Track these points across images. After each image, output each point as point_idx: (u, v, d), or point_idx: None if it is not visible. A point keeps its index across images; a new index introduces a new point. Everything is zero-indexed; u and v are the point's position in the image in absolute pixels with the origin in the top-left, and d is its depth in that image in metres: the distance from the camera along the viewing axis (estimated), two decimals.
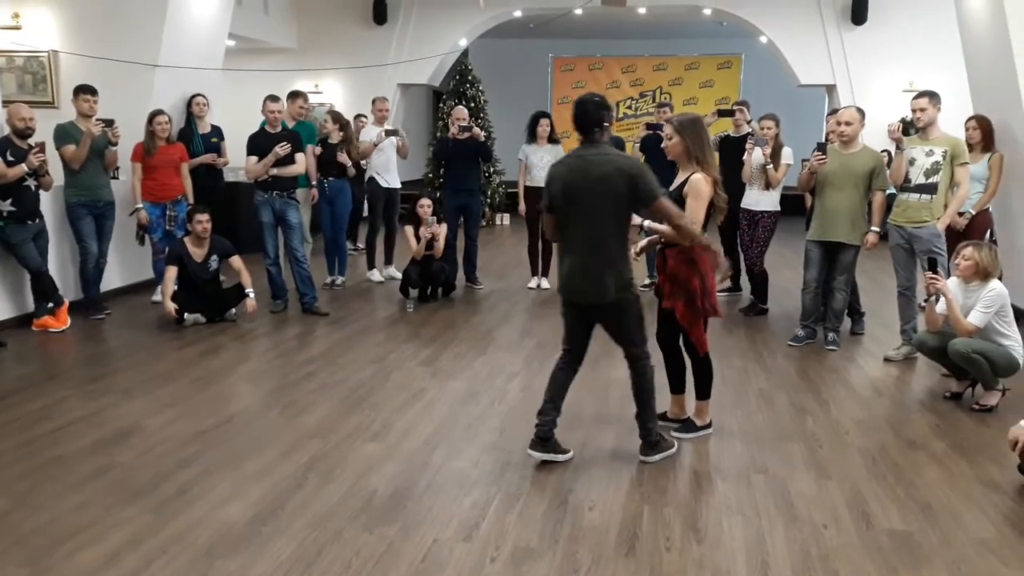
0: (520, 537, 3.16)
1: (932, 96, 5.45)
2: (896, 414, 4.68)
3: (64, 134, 6.42)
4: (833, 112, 7.04)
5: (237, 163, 7.95)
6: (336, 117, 7.80)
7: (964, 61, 7.47)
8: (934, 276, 4.70)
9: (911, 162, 5.49)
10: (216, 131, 7.83)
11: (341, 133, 7.68)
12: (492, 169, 12.88)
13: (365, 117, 9.19)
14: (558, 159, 3.92)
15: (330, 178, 7.66)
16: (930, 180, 5.41)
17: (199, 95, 7.73)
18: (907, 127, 5.52)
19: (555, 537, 3.16)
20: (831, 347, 5.92)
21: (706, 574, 2.92)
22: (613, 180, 3.63)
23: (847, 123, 5.67)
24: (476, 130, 7.73)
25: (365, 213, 8.89)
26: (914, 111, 5.47)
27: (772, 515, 3.37)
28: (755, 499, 3.52)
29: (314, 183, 7.59)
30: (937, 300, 4.80)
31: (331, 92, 13.03)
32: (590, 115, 3.71)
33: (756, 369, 5.47)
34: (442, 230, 7.32)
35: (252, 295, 6.45)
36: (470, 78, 13.10)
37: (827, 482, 3.70)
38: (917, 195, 5.47)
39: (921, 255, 5.44)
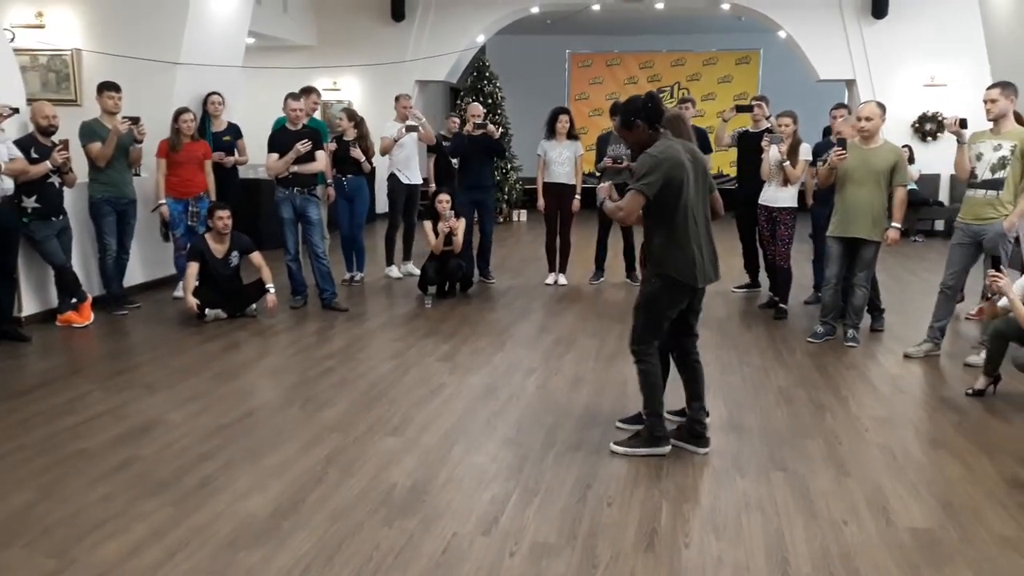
0: (539, 532, 3.17)
1: (1005, 87, 5.21)
2: (917, 411, 4.66)
3: (90, 131, 6.50)
4: (837, 107, 6.99)
5: (258, 160, 8.00)
6: (351, 115, 7.84)
7: (987, 54, 7.41)
8: (996, 274, 4.60)
9: (978, 157, 5.30)
10: (231, 129, 7.84)
11: (356, 130, 7.72)
12: (510, 165, 12.90)
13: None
14: (663, 147, 3.69)
15: (348, 175, 7.70)
16: (996, 175, 5.23)
17: (214, 93, 7.76)
18: (963, 122, 5.35)
19: (574, 532, 3.17)
20: (851, 344, 5.88)
21: (725, 571, 2.92)
22: (707, 166, 3.93)
23: (867, 118, 5.61)
24: (490, 127, 7.76)
25: (380, 210, 8.94)
26: (984, 102, 5.24)
27: (792, 512, 3.36)
28: (774, 496, 3.51)
29: (330, 181, 7.63)
30: (999, 297, 4.67)
31: (349, 89, 13.09)
32: (660, 110, 3.80)
33: (775, 366, 5.45)
34: (461, 224, 7.35)
35: (272, 290, 6.49)
36: (487, 75, 13.11)
37: (847, 479, 3.69)
38: (983, 191, 5.29)
39: (989, 253, 5.27)
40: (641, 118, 3.74)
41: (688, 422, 4.03)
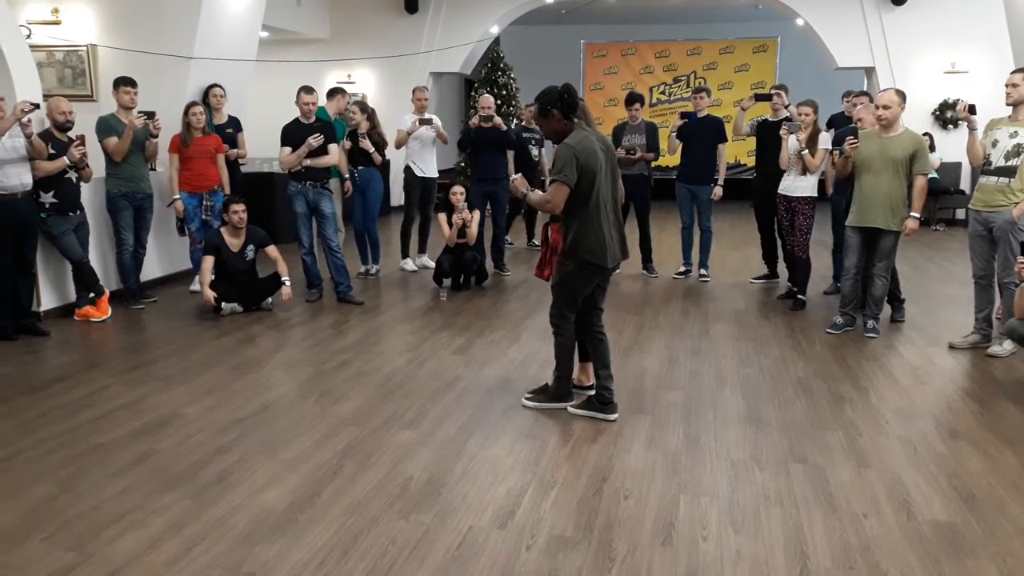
0: (555, 525, 3.16)
1: None
2: (938, 402, 4.59)
3: (107, 126, 6.54)
4: (848, 94, 6.89)
5: (271, 153, 8.00)
6: (362, 107, 7.82)
7: (1009, 40, 7.28)
8: None
9: (993, 144, 5.25)
10: (232, 122, 7.78)
11: (368, 122, 7.70)
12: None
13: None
14: (580, 138, 3.98)
15: (360, 167, 7.69)
16: (1010, 163, 5.18)
17: (216, 86, 7.70)
18: (972, 108, 5.28)
19: (590, 526, 3.15)
20: (871, 335, 5.82)
21: (744, 565, 2.89)
22: (615, 155, 4.22)
23: (885, 106, 5.53)
24: (497, 120, 7.71)
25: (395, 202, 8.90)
26: (1006, 86, 5.18)
27: (811, 505, 3.32)
28: (793, 489, 3.47)
29: (346, 176, 7.62)
30: None
31: (363, 82, 13.08)
32: (575, 101, 4.03)
33: (794, 357, 5.39)
34: (475, 217, 7.33)
35: (288, 283, 6.51)
36: (502, 66, 13.07)
37: (867, 471, 3.65)
38: (995, 178, 5.24)
39: (998, 241, 5.24)
40: (557, 108, 3.97)
41: (596, 390, 4.32)
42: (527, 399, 4.46)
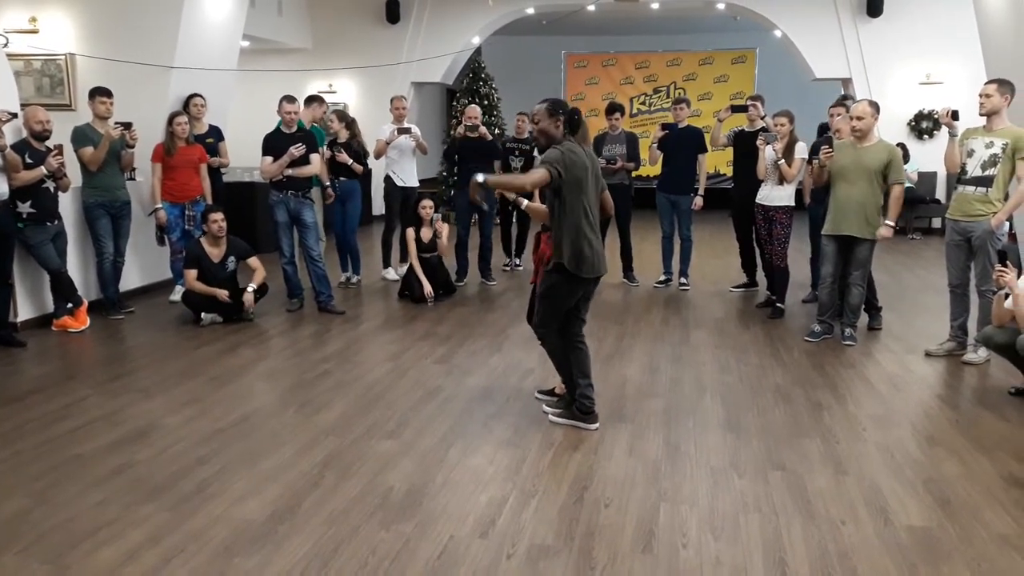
0: (536, 534, 3.16)
1: (1002, 84, 5.20)
2: (914, 409, 4.65)
3: (82, 136, 6.50)
4: (836, 105, 6.98)
5: (252, 163, 7.97)
6: (341, 116, 7.82)
7: (982, 52, 7.40)
8: (1002, 269, 4.60)
9: (969, 153, 5.30)
10: (213, 131, 7.74)
11: (348, 131, 7.70)
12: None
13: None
14: (571, 147, 4.10)
15: (341, 178, 7.68)
16: (987, 173, 5.23)
17: (196, 95, 7.65)
18: (955, 113, 5.35)
19: (571, 534, 3.16)
20: (848, 342, 5.88)
21: (723, 572, 2.91)
22: (599, 171, 4.33)
23: (859, 118, 5.61)
24: (482, 130, 7.73)
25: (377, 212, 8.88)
26: (979, 96, 5.24)
27: (789, 512, 3.35)
28: (772, 496, 3.50)
29: (327, 184, 7.61)
30: (1007, 296, 4.63)
31: (345, 92, 13.08)
32: (580, 124, 4.19)
33: (772, 365, 5.44)
34: (444, 228, 7.33)
35: (251, 289, 6.47)
36: (483, 76, 13.12)
37: (844, 478, 3.68)
38: (973, 188, 5.29)
39: (977, 250, 5.30)
40: (563, 119, 4.13)
41: (577, 399, 4.31)
42: (552, 414, 4.39)
